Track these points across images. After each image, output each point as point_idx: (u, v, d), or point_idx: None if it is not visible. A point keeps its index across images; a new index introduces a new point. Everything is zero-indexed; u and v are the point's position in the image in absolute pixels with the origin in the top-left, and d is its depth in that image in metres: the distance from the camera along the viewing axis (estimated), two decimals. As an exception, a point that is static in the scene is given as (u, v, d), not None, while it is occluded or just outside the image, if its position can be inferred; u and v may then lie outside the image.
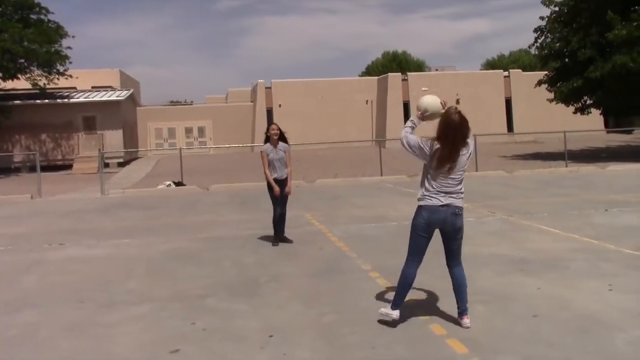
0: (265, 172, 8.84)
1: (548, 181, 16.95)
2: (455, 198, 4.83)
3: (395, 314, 4.95)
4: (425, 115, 4.99)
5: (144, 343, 4.86)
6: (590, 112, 28.16)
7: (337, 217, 11.64)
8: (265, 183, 9.07)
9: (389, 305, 5.03)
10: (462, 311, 4.94)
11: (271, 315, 5.50)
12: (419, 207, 4.88)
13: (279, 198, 8.89)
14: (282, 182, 8.89)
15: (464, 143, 4.79)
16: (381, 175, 20.10)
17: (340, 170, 22.91)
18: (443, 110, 4.90)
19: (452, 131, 4.73)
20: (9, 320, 5.66)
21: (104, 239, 10.14)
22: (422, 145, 4.82)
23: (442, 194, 4.80)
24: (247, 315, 5.52)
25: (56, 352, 4.74)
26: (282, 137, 8.93)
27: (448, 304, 5.55)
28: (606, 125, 41.80)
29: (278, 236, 9.00)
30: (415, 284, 6.39)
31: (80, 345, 4.88)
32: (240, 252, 8.56)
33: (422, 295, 5.85)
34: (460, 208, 4.89)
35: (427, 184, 4.85)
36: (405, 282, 4.97)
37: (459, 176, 4.82)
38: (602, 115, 34.39)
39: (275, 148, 8.83)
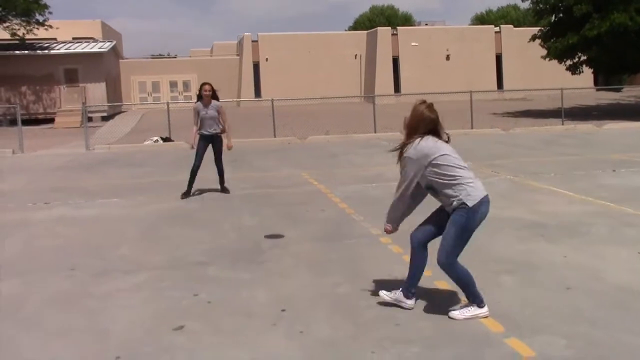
0: (193, 130, 9.47)
1: (547, 139, 16.53)
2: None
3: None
4: None
5: (143, 318, 4.40)
6: (582, 72, 27.70)
7: (335, 176, 11.16)
8: (196, 138, 9.45)
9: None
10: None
11: (279, 285, 5.07)
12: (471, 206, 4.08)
13: (200, 151, 9.32)
14: (211, 137, 9.39)
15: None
16: (375, 132, 19.58)
17: (330, 126, 22.30)
18: None
19: (427, 125, 4.21)
20: (-10, 290, 5.15)
21: (92, 198, 9.61)
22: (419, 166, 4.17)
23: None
24: (253, 285, 5.08)
25: (43, 330, 4.26)
26: (214, 96, 9.37)
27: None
28: (595, 83, 41.37)
29: (191, 188, 9.32)
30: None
31: (71, 321, 4.40)
32: (237, 213, 8.10)
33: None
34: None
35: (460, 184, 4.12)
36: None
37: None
38: (593, 73, 33.98)
39: (207, 107, 9.30)
